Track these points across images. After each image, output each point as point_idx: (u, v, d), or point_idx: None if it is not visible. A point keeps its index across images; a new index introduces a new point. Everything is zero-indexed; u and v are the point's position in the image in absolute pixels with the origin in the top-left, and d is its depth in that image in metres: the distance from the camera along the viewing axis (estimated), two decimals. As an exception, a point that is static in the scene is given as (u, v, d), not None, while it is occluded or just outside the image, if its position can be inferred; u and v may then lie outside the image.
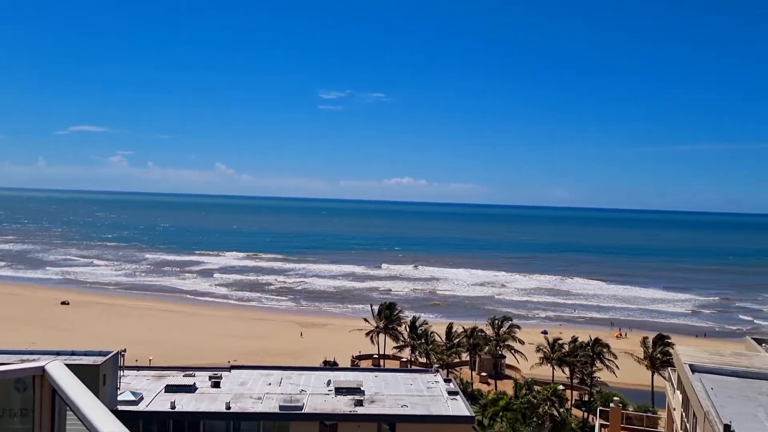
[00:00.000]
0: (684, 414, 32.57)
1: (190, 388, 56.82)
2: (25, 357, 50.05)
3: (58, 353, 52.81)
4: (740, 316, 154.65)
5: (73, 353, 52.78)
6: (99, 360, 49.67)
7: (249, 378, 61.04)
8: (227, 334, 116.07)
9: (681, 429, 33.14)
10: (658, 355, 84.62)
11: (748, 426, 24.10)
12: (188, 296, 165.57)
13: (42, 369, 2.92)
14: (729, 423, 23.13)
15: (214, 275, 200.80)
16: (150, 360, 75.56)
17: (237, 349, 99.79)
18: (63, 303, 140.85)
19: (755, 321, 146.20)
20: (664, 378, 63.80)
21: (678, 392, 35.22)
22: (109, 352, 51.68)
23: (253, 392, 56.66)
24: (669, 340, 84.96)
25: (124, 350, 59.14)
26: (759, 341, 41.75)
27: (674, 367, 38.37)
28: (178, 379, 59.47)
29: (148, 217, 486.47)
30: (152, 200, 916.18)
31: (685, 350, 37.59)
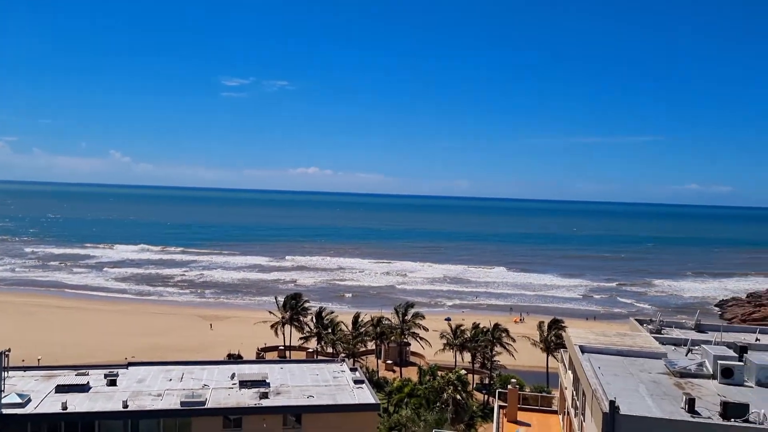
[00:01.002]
0: (574, 392, 33.99)
1: (84, 388, 54.29)
2: None
3: None
4: (625, 300, 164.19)
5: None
6: (-22, 361, 46.71)
7: (148, 375, 58.92)
8: (124, 331, 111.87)
9: (572, 406, 34.63)
10: (552, 337, 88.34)
11: (630, 401, 25.39)
12: (80, 291, 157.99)
13: None
14: (614, 399, 24.34)
15: (109, 269, 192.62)
16: (39, 360, 71.69)
17: (136, 345, 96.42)
18: None
19: (637, 304, 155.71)
20: (557, 359, 66.81)
21: (569, 372, 36.75)
22: (-13, 353, 48.64)
23: (152, 389, 54.76)
24: (562, 324, 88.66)
25: (9, 350, 55.81)
26: (641, 322, 44.12)
27: (566, 348, 39.96)
28: (70, 378, 56.66)
29: (34, 208, 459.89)
30: (39, 189, 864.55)
31: (575, 332, 39.31)
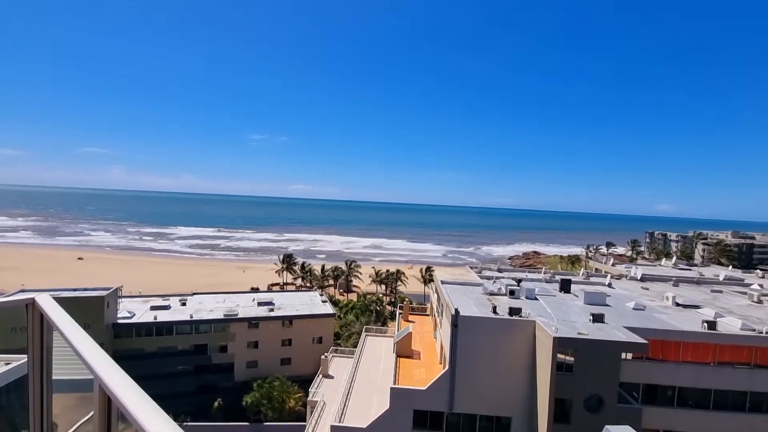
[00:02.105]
0: (437, 305, 35.20)
1: (167, 307, 51.65)
2: (54, 293, 42.88)
3: (75, 290, 45.65)
4: (463, 256, 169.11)
5: (85, 289, 45.84)
6: (104, 293, 43.67)
7: (204, 299, 56.62)
8: (190, 274, 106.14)
9: (436, 312, 35.77)
10: (427, 276, 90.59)
11: (465, 308, 26.61)
12: (163, 252, 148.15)
13: (33, 300, 2.29)
14: (457, 307, 25.47)
15: (180, 240, 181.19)
16: (140, 291, 67.52)
17: (197, 283, 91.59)
18: (79, 258, 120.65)
19: (469, 258, 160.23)
20: (429, 288, 68.70)
21: (435, 294, 37.88)
22: (110, 288, 45.56)
23: (207, 307, 52.80)
24: (432, 269, 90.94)
25: (121, 286, 52.67)
26: (471, 267, 46.07)
27: (434, 282, 41.14)
28: (158, 302, 53.83)
29: (130, 205, 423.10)
30: (133, 195, 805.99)
31: (439, 273, 40.77)
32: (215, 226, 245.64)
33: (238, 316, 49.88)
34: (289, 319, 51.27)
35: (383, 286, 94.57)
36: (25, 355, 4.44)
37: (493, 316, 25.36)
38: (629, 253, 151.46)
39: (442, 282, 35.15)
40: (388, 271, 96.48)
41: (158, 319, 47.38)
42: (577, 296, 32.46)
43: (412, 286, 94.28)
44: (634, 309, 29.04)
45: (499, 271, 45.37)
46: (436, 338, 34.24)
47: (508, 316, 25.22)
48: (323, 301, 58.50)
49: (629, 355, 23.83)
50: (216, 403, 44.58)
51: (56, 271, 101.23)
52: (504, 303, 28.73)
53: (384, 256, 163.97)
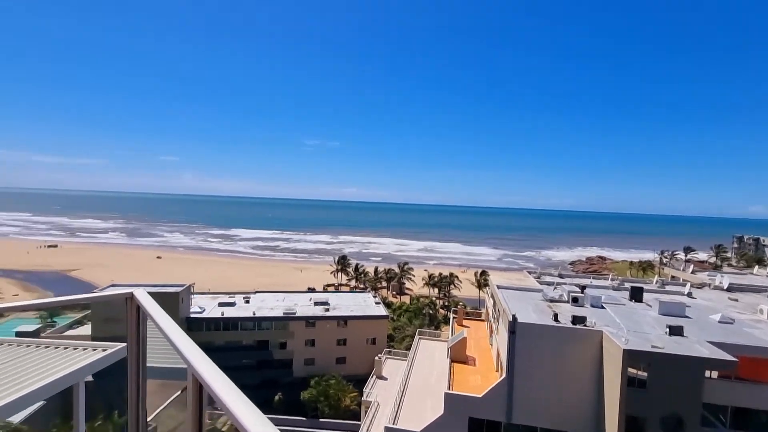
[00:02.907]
0: (493, 310, 34.10)
1: (232, 304, 55.22)
2: (124, 289, 47.76)
3: (155, 285, 50.29)
4: (520, 261, 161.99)
5: (164, 285, 50.30)
6: (179, 289, 47.62)
7: (266, 297, 59.80)
8: (252, 274, 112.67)
9: (492, 317, 34.69)
10: (482, 280, 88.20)
11: (524, 316, 25.53)
12: (227, 253, 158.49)
13: (131, 293, 2.61)
14: (515, 313, 24.53)
15: (242, 241, 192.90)
16: (209, 289, 72.78)
17: (259, 282, 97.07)
18: (158, 258, 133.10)
19: (526, 263, 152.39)
20: (484, 292, 66.77)
21: (491, 299, 36.75)
22: (184, 285, 49.59)
23: (269, 305, 55.69)
24: (487, 273, 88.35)
25: (193, 284, 56.95)
26: (529, 272, 44.13)
27: (490, 287, 39.96)
28: (225, 298, 57.71)
29: (198, 209, 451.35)
30: (199, 199, 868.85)
31: (495, 278, 39.47)
32: (274, 228, 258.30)
33: (297, 315, 51.96)
34: (344, 320, 52.45)
35: (436, 290, 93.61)
36: (117, 343, 4.96)
37: (554, 324, 24.05)
38: (712, 260, 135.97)
39: (498, 287, 34.00)
40: (441, 274, 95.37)
41: (225, 315, 50.74)
42: (650, 306, 29.81)
43: (465, 290, 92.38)
44: (720, 322, 26.02)
45: (560, 276, 43.02)
46: (491, 345, 33.19)
47: (571, 325, 23.79)
48: (377, 303, 59.12)
49: (714, 374, 21.38)
50: (277, 397, 46.72)
51: (139, 268, 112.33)
52: (566, 311, 27.17)
53: (437, 259, 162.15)
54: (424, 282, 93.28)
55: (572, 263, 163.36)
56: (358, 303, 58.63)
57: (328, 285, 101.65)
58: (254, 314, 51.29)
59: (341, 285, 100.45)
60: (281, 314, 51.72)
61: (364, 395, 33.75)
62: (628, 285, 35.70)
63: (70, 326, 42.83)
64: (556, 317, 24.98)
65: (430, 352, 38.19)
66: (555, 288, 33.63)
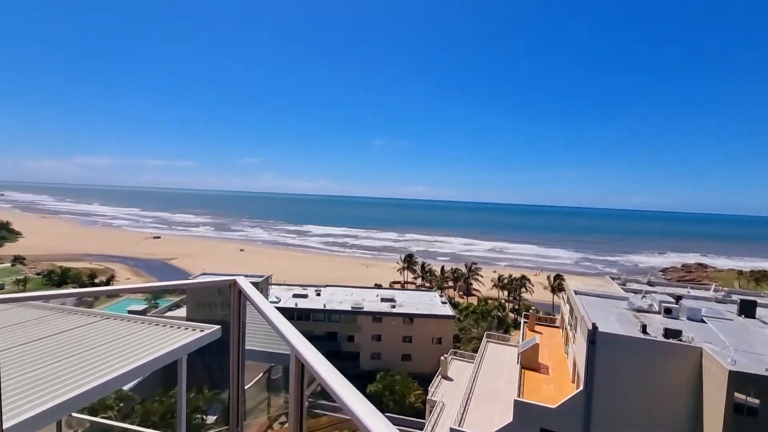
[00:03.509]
0: (570, 317, 31.98)
1: (305, 296, 58.32)
2: (223, 277, 52.64)
3: (238, 275, 54.86)
4: (598, 266, 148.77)
5: (246, 275, 54.68)
6: (259, 280, 51.35)
7: (335, 291, 62.19)
8: (323, 268, 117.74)
9: (568, 324, 32.56)
10: (555, 285, 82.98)
11: (605, 324, 23.60)
12: (300, 247, 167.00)
13: (234, 280, 2.99)
14: (595, 322, 22.74)
15: (314, 237, 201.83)
16: (284, 281, 77.55)
17: (329, 276, 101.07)
18: (241, 250, 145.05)
19: (607, 268, 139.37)
20: (559, 298, 62.71)
21: (567, 305, 34.52)
22: (263, 276, 53.43)
23: (338, 299, 57.88)
24: (562, 278, 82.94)
25: (271, 275, 61.11)
26: (612, 278, 40.63)
27: (565, 292, 37.55)
28: (299, 290, 61.11)
29: (276, 206, 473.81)
30: (280, 197, 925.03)
31: (571, 282, 36.91)
32: (344, 225, 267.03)
33: (364, 310, 53.30)
34: (410, 317, 52.66)
35: (505, 292, 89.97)
36: (212, 325, 5.49)
37: (641, 336, 21.82)
38: None
39: (576, 292, 31.75)
40: (511, 276, 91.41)
41: (299, 306, 53.76)
42: (766, 323, 25.70)
43: (538, 294, 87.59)
44: None
45: (650, 284, 38.95)
46: (567, 354, 31.10)
47: (662, 339, 21.40)
48: (443, 303, 58.48)
49: None
50: (344, 388, 48.44)
51: (225, 259, 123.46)
52: (656, 322, 24.51)
53: (507, 260, 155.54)
54: (492, 283, 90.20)
55: (664, 270, 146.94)
56: (425, 302, 58.48)
57: (395, 282, 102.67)
58: (324, 307, 53.60)
59: (407, 282, 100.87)
60: (350, 308, 53.40)
61: (429, 394, 33.61)
62: (736, 297, 31.16)
63: (169, 308, 48.52)
64: (644, 329, 22.66)
65: (498, 356, 36.85)
66: (643, 297, 30.55)
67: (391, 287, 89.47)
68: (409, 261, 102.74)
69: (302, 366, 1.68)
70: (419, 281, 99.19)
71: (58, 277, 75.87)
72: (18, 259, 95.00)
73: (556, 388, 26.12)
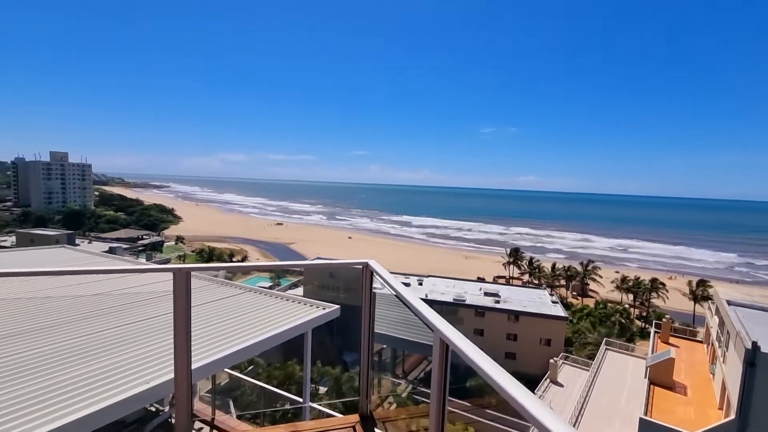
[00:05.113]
0: (719, 331, 26.77)
1: (408, 284, 59.68)
2: (341, 261, 57.14)
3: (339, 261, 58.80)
4: (761, 273, 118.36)
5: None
6: (365, 266, 54.33)
7: (437, 282, 62.26)
8: (424, 259, 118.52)
9: (716, 339, 27.27)
10: (699, 292, 70.19)
11: (770, 344, 19.20)
12: (401, 236, 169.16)
13: (366, 263, 3.11)
14: (755, 341, 18.67)
15: (414, 227, 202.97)
16: (388, 269, 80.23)
17: (429, 267, 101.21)
18: (349, 238, 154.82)
19: None
20: (703, 307, 52.87)
21: (715, 317, 28.90)
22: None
23: (439, 290, 57.90)
24: (708, 283, 69.90)
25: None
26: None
27: (712, 301, 31.46)
28: (402, 279, 62.75)
29: (383, 197, 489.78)
30: (384, 188, 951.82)
31: (722, 290, 30.66)
32: (447, 216, 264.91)
33: (466, 303, 52.38)
34: (515, 314, 50.11)
35: (630, 296, 79.24)
36: (331, 304, 5.98)
37: (827, 364, 17.19)
38: None
39: (729, 302, 26.40)
40: (638, 278, 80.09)
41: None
42: None
43: (673, 301, 75.25)
44: None
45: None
46: (713, 374, 26.21)
47: None
48: (554, 302, 54.20)
49: None
50: (444, 379, 48.60)
51: (336, 245, 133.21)
52: None
53: (633, 260, 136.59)
54: (614, 285, 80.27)
55: None
56: (532, 299, 54.96)
57: (499, 276, 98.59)
58: (426, 296, 54.06)
59: (512, 278, 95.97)
60: (451, 300, 53.00)
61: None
62: None
63: (289, 287, 54.39)
64: (830, 356, 17.81)
65: (619, 367, 32.88)
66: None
67: (494, 281, 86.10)
68: (515, 255, 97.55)
69: (446, 347, 1.77)
70: (526, 277, 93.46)
71: (207, 255, 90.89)
72: (179, 239, 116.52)
73: (697, 413, 22.26)
